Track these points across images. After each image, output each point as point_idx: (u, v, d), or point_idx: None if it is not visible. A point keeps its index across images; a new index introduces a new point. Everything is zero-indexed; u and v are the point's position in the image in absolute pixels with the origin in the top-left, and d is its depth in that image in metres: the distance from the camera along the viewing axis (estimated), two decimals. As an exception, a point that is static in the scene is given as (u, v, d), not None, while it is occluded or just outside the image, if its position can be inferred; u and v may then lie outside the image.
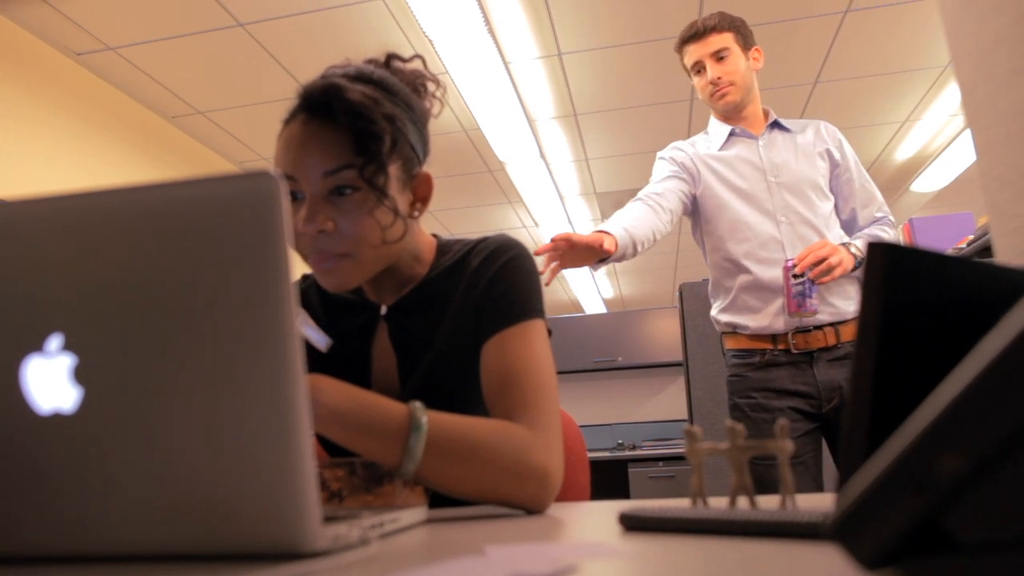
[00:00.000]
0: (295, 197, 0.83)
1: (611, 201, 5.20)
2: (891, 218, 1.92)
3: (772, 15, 3.10)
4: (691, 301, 2.95)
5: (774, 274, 1.81)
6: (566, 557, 0.41)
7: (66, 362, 0.45)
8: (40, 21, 2.85)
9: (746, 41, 1.90)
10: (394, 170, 0.86)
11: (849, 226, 1.92)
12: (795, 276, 1.73)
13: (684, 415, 3.16)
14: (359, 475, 0.74)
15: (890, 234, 1.90)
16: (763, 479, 1.74)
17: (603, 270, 6.99)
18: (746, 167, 1.90)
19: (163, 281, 0.44)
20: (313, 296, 1.02)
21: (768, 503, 0.55)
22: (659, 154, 2.07)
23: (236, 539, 0.42)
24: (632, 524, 0.53)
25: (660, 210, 1.89)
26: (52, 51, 3.01)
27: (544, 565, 0.38)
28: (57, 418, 0.45)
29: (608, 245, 1.66)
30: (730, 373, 1.94)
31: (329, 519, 0.54)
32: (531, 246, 6.19)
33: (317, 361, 0.96)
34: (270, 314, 0.42)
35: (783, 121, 1.95)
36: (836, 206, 1.92)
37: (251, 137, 3.95)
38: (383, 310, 0.96)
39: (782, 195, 1.85)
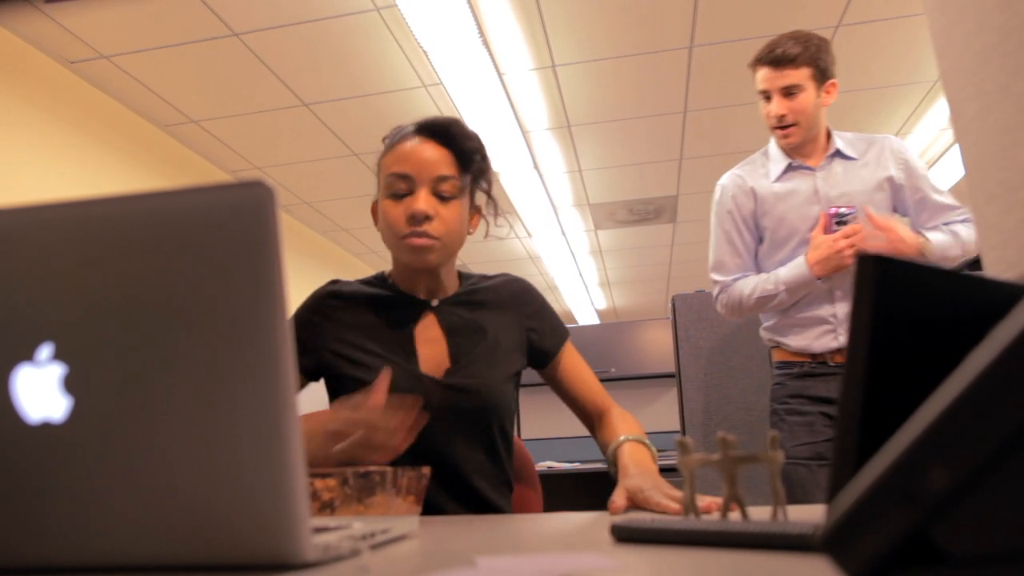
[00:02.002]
0: (400, 196, 1.09)
1: (604, 212, 5.22)
2: (969, 216, 1.86)
3: (765, 29, 3.12)
4: (684, 312, 2.96)
5: (817, 313, 1.87)
6: (557, 568, 0.41)
7: (56, 371, 0.44)
8: (34, 29, 2.84)
9: (823, 75, 1.84)
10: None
11: None
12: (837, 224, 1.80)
13: (676, 426, 3.16)
14: (351, 485, 0.73)
15: (963, 233, 1.84)
16: (793, 479, 1.85)
17: (596, 281, 7.00)
18: (802, 202, 1.90)
19: (156, 290, 0.44)
20: (346, 293, 1.19)
21: (759, 514, 0.55)
22: (724, 187, 2.04)
23: (226, 550, 0.42)
24: (623, 535, 0.53)
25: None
26: (46, 59, 3.00)
27: (536, 577, 0.37)
28: (47, 427, 0.44)
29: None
30: (773, 382, 2.03)
31: (320, 530, 0.53)
32: (524, 256, 6.16)
33: (365, 338, 1.14)
34: (263, 324, 0.42)
35: (846, 146, 1.91)
36: (912, 222, 1.91)
37: (245, 146, 3.95)
38: (434, 302, 1.17)
39: (835, 230, 1.83)
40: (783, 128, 1.88)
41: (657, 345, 4.06)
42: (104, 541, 0.44)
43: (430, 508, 1.06)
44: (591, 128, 3.94)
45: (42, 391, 0.44)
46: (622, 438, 1.06)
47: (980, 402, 0.26)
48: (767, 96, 1.89)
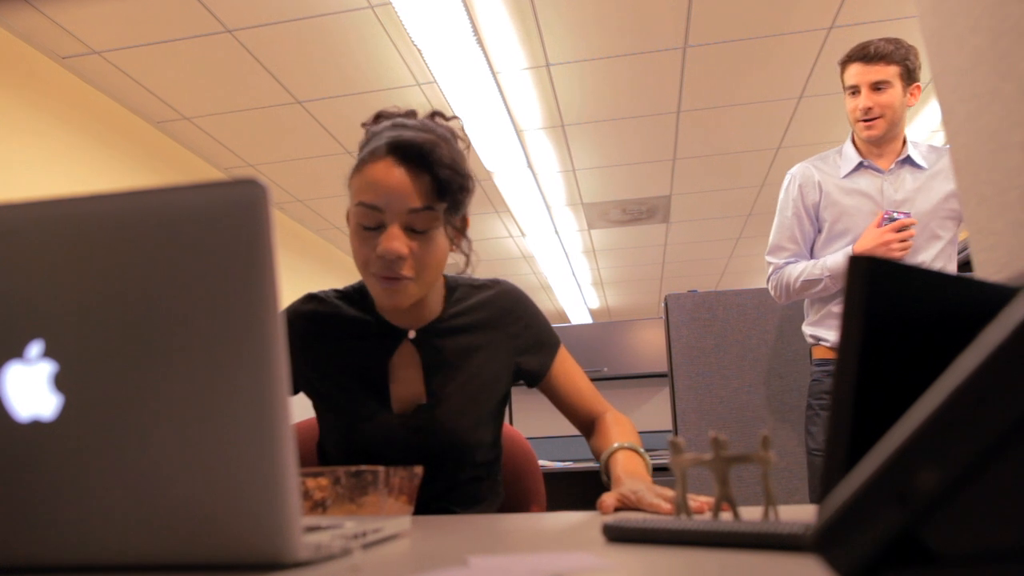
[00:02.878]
0: (369, 229, 0.98)
1: (597, 211, 5.22)
2: None
3: (758, 30, 3.13)
4: (676, 312, 2.96)
5: None
6: (549, 568, 0.41)
7: (46, 369, 0.44)
8: (25, 24, 2.82)
9: (910, 76, 1.93)
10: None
11: None
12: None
13: (668, 426, 3.17)
14: (343, 484, 0.73)
15: None
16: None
17: (589, 280, 7.01)
18: (865, 202, 1.99)
19: (147, 288, 0.43)
20: (322, 315, 1.12)
21: (751, 514, 0.55)
22: (794, 176, 2.12)
23: (217, 548, 0.42)
24: (615, 535, 0.53)
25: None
26: (37, 54, 2.98)
27: (527, 576, 0.38)
28: (36, 425, 0.44)
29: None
30: (811, 379, 2.13)
31: (311, 529, 0.53)
32: (518, 255, 6.15)
33: (336, 372, 1.08)
34: (256, 322, 0.41)
35: (918, 156, 1.99)
36: None
37: (238, 144, 3.93)
38: (411, 334, 1.09)
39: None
40: (868, 120, 1.94)
41: (650, 345, 4.07)
42: (95, 540, 0.44)
43: (422, 506, 1.06)
44: (585, 127, 3.95)
45: (32, 389, 0.44)
46: (615, 446, 1.03)
47: (969, 403, 0.26)
48: (855, 91, 1.96)
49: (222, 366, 0.42)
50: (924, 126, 4.06)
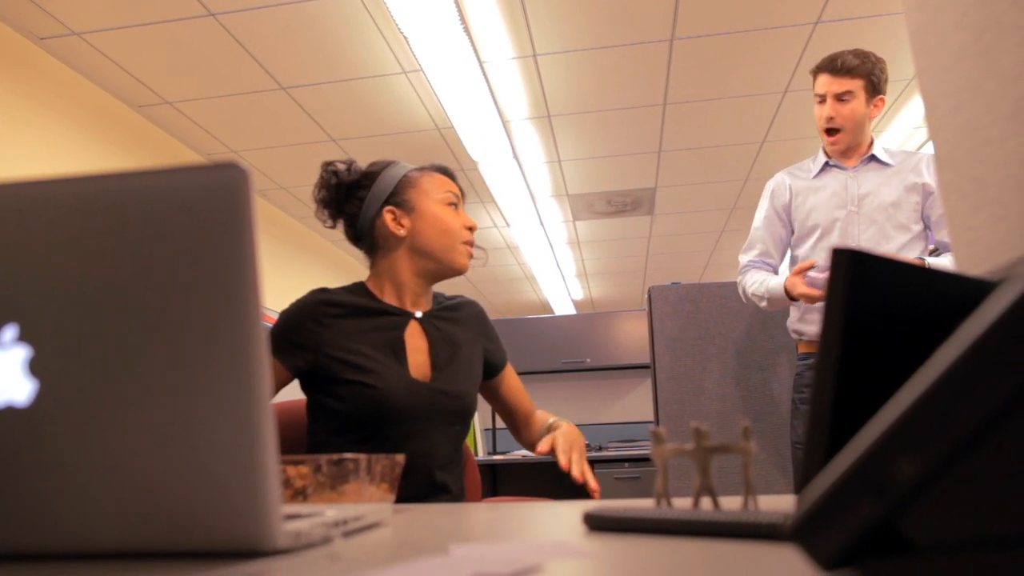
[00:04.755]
0: (454, 207, 1.35)
1: (582, 203, 5.23)
2: None
3: (745, 24, 3.14)
4: (660, 304, 2.98)
5: None
6: (530, 557, 0.41)
7: (20, 354, 0.43)
8: (1, 2, 2.76)
9: (875, 89, 2.01)
10: None
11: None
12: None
13: (650, 417, 3.19)
14: (324, 473, 0.73)
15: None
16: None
17: (574, 271, 7.03)
18: (832, 197, 2.09)
19: (125, 273, 0.43)
20: (336, 300, 1.29)
21: (731, 504, 0.55)
22: (769, 183, 2.25)
23: (196, 536, 0.42)
24: (596, 524, 0.53)
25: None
26: (13, 34, 2.92)
27: (508, 565, 0.38)
28: (10, 411, 0.43)
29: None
30: (795, 372, 2.22)
31: (291, 517, 0.53)
32: (502, 246, 6.14)
33: (359, 343, 1.25)
34: (236, 308, 0.41)
35: (883, 154, 2.07)
36: (931, 235, 2.06)
37: (221, 129, 3.89)
38: (418, 313, 1.34)
39: (859, 225, 2.02)
40: (831, 134, 2.05)
41: (633, 336, 4.08)
42: (70, 529, 0.43)
43: (403, 495, 1.14)
44: (571, 118, 3.94)
45: (6, 374, 0.43)
46: (552, 420, 1.40)
47: (947, 395, 0.26)
48: (822, 100, 2.06)
49: (201, 352, 0.41)
50: (906, 122, 4.10)
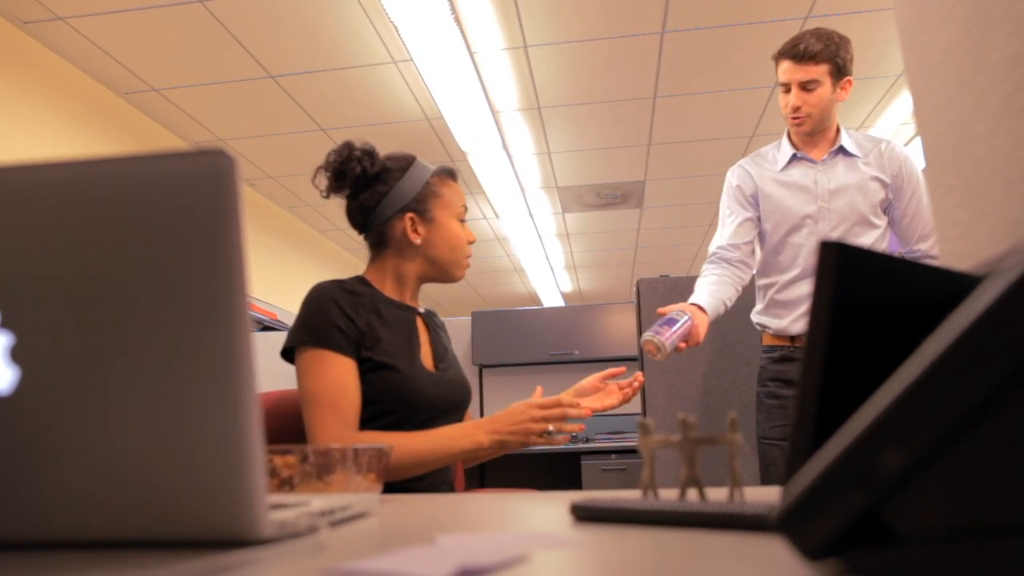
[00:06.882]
0: (463, 220, 1.43)
1: (571, 195, 5.23)
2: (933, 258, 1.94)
3: (734, 18, 3.14)
4: (648, 296, 2.98)
5: (797, 294, 1.98)
6: (517, 547, 0.41)
7: (2, 341, 0.43)
8: (-16, -14, 2.72)
9: (840, 72, 1.93)
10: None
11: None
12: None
13: (638, 409, 3.21)
14: (311, 462, 0.73)
15: None
16: (768, 459, 1.98)
17: (562, 263, 7.03)
18: (801, 192, 2.01)
19: (109, 260, 0.42)
20: (357, 291, 1.32)
21: (717, 495, 0.55)
22: (730, 175, 2.16)
23: (180, 526, 0.41)
24: (583, 514, 0.54)
25: (742, 266, 2.07)
26: (-3, 18, 2.88)
27: (495, 555, 0.38)
28: (-8, 399, 0.43)
29: (701, 334, 1.84)
30: (759, 366, 2.14)
31: (277, 506, 0.53)
32: (491, 237, 6.13)
33: (387, 335, 1.29)
34: (221, 298, 0.41)
35: (851, 144, 2.00)
36: (897, 235, 2.01)
37: (208, 117, 3.85)
38: (421, 309, 1.44)
39: (830, 222, 1.96)
40: (797, 119, 1.97)
41: (621, 329, 4.09)
42: (53, 518, 0.43)
43: (392, 485, 1.14)
44: (561, 110, 3.94)
45: (-12, 361, 0.43)
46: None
47: (933, 388, 0.26)
48: (787, 88, 1.98)
49: (186, 340, 0.41)
50: (894, 118, 4.12)
